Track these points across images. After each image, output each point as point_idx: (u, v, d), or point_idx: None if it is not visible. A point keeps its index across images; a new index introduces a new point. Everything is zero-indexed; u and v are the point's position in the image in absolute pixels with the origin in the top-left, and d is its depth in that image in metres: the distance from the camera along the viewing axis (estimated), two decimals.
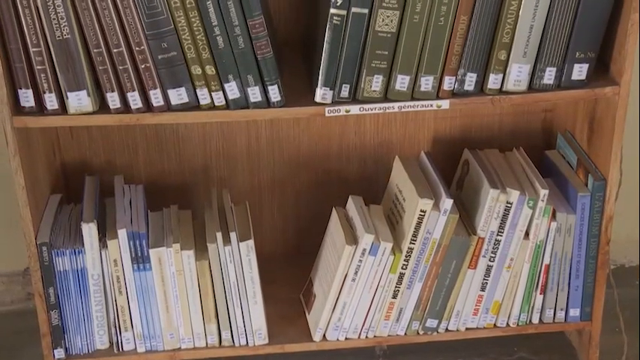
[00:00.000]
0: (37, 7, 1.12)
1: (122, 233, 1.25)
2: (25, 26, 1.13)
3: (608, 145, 1.26)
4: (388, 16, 1.16)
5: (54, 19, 1.13)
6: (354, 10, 1.15)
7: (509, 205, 1.28)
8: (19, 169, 1.19)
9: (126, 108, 1.19)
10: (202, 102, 1.20)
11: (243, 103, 1.20)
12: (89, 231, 1.25)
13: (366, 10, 1.16)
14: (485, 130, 1.49)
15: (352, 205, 1.35)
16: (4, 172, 1.37)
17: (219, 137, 1.46)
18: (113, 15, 1.14)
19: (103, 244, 1.27)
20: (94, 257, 1.27)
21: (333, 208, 1.37)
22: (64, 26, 1.14)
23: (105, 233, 1.27)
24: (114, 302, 1.30)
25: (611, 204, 1.30)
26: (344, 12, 1.16)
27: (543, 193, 1.28)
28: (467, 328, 1.37)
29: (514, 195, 1.27)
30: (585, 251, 1.34)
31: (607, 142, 1.27)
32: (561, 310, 1.38)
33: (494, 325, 1.37)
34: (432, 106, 1.22)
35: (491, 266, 1.32)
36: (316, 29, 1.24)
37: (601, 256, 1.34)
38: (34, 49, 1.15)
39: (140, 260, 1.28)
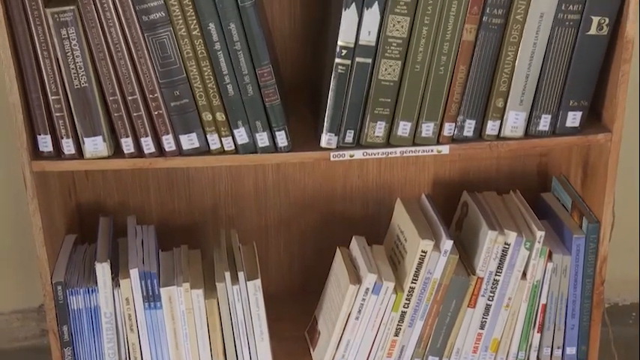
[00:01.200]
0: (57, 58, 1.14)
1: (134, 273, 1.26)
2: (45, 76, 1.15)
3: (602, 188, 1.27)
4: (391, 66, 1.18)
5: (72, 68, 1.15)
6: (358, 59, 1.17)
7: (507, 246, 1.28)
8: (37, 212, 1.20)
9: (139, 152, 1.20)
10: (213, 147, 1.21)
11: (252, 148, 1.21)
12: (102, 270, 1.25)
13: (369, 60, 1.17)
14: (483, 173, 1.49)
15: (356, 245, 1.35)
16: (22, 212, 1.38)
17: (227, 179, 1.46)
18: (129, 64, 1.15)
19: (115, 283, 1.27)
20: (107, 296, 1.27)
21: (337, 248, 1.37)
22: (82, 75, 1.15)
23: (118, 272, 1.28)
24: (125, 339, 1.30)
25: (604, 245, 1.30)
26: (349, 61, 1.17)
27: (540, 234, 1.28)
28: None
29: (512, 236, 1.28)
30: (581, 291, 1.34)
31: (600, 186, 1.28)
32: (558, 348, 1.38)
33: None
34: (432, 151, 1.23)
35: (490, 305, 1.32)
36: (322, 77, 1.26)
37: (596, 296, 1.34)
38: (54, 97, 1.16)
39: (151, 299, 1.28)
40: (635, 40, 1.19)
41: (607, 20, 1.17)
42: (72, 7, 1.12)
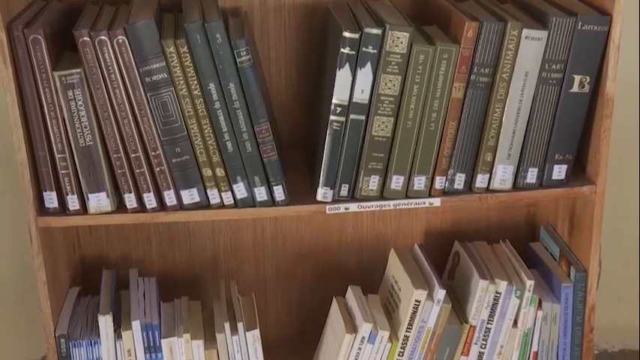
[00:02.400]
0: (64, 118, 1.15)
1: (136, 325, 1.25)
2: (52, 135, 1.15)
3: (588, 238, 1.27)
4: (383, 122, 1.19)
5: (78, 128, 1.16)
6: (352, 116, 1.18)
7: (498, 295, 1.28)
8: (42, 266, 1.19)
9: (142, 207, 1.20)
10: (212, 201, 1.21)
11: (250, 203, 1.22)
12: (105, 323, 1.25)
13: (363, 117, 1.18)
14: (473, 223, 1.50)
15: (351, 295, 1.35)
16: (27, 265, 1.37)
17: (227, 232, 1.46)
18: (132, 123, 1.16)
19: (117, 335, 1.26)
20: (109, 348, 1.26)
21: (334, 298, 1.37)
22: (87, 134, 1.16)
23: (120, 324, 1.27)
24: None
25: (592, 294, 1.30)
26: (343, 118, 1.18)
27: (529, 283, 1.28)
28: None
29: (502, 285, 1.28)
30: (571, 339, 1.33)
31: (586, 235, 1.28)
32: None
33: None
34: (424, 203, 1.23)
35: (483, 353, 1.31)
36: (317, 132, 1.27)
37: (585, 343, 1.33)
38: (60, 156, 1.17)
39: (153, 350, 1.27)
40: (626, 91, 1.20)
41: (588, 79, 1.19)
42: (78, 70, 1.13)
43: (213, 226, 1.45)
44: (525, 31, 1.16)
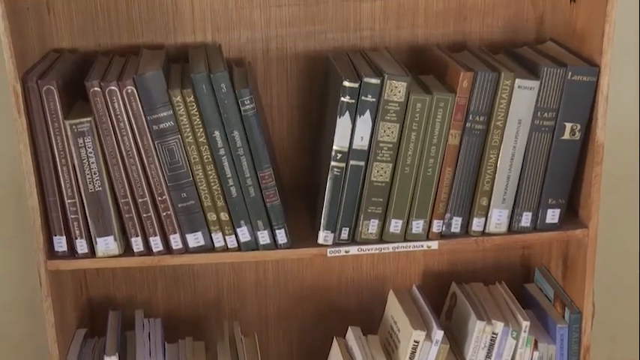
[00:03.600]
0: (74, 165, 1.16)
1: None
2: (62, 181, 1.16)
3: (582, 280, 1.28)
4: (382, 168, 1.20)
5: (88, 174, 1.17)
6: (352, 162, 1.19)
7: (494, 336, 1.28)
8: (50, 309, 1.19)
9: (148, 251, 1.21)
10: (217, 245, 1.22)
11: (254, 246, 1.22)
12: None
13: (362, 163, 1.19)
14: (469, 264, 1.50)
15: (351, 336, 1.35)
16: (35, 306, 1.37)
17: (230, 273, 1.47)
18: (139, 169, 1.17)
19: None
20: None
21: (334, 338, 1.37)
22: (96, 180, 1.17)
23: None
24: None
25: (587, 335, 1.30)
26: (343, 164, 1.19)
27: (525, 324, 1.28)
28: None
29: (499, 326, 1.28)
30: None
31: (580, 277, 1.28)
32: None
33: None
34: (422, 246, 1.24)
35: None
36: (318, 177, 1.28)
37: None
38: (69, 201, 1.18)
39: None
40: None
41: (579, 126, 1.21)
42: (89, 119, 1.15)
43: (217, 268, 1.46)
44: (518, 81, 1.18)
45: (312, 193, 1.35)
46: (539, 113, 1.19)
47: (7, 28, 1.06)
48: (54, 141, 1.15)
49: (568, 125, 1.20)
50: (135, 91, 1.14)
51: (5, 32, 1.06)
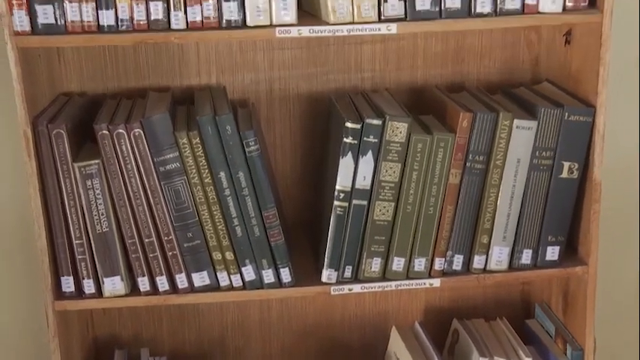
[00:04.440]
0: (82, 206, 1.16)
1: None
2: (70, 223, 1.17)
3: (582, 317, 1.27)
4: (385, 207, 1.20)
5: (95, 215, 1.17)
6: (355, 202, 1.20)
7: None
8: (57, 350, 1.19)
9: (154, 290, 1.20)
10: (222, 284, 1.22)
11: (258, 284, 1.22)
12: None
13: (365, 202, 1.20)
14: (471, 300, 1.50)
15: None
16: (42, 345, 1.36)
17: (234, 310, 1.46)
18: (146, 210, 1.17)
19: None
20: None
21: None
22: (103, 221, 1.17)
23: None
24: None
25: None
26: (346, 204, 1.20)
27: None
28: None
29: None
30: None
31: (581, 314, 1.28)
32: None
33: None
34: (425, 284, 1.24)
35: None
36: (321, 216, 1.28)
37: None
38: (77, 242, 1.17)
39: None
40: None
41: (577, 165, 1.21)
42: (97, 161, 1.15)
43: (221, 305, 1.45)
44: (516, 121, 1.19)
45: (315, 230, 1.35)
46: (537, 152, 1.20)
47: (19, 75, 1.07)
48: (63, 183, 1.15)
49: (566, 164, 1.21)
50: (142, 134, 1.14)
51: (18, 79, 1.07)
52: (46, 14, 1.07)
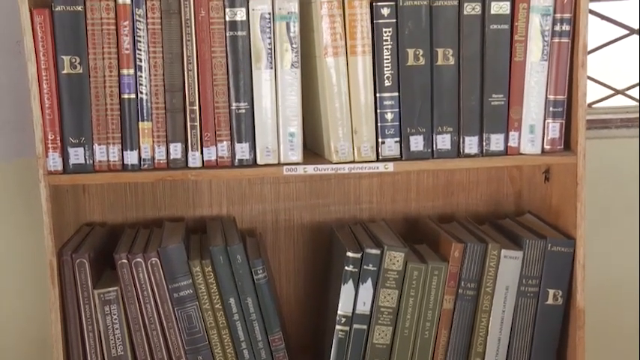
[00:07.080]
0: (100, 331, 1.17)
1: None
2: (87, 346, 1.17)
3: None
4: (383, 331, 1.22)
5: (111, 339, 1.17)
6: (355, 326, 1.21)
7: None
8: None
9: None
10: None
11: None
12: None
13: (365, 326, 1.21)
14: None
15: None
16: None
17: None
18: (160, 334, 1.18)
19: None
20: None
21: None
22: (119, 345, 1.18)
23: None
24: None
25: None
26: (347, 328, 1.21)
27: None
28: None
29: None
30: None
31: None
32: None
33: None
34: None
35: None
36: (324, 338, 1.29)
37: None
38: None
39: None
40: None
41: (561, 292, 1.24)
42: (115, 288, 1.17)
43: None
44: (504, 251, 1.22)
45: (317, 353, 1.35)
46: (524, 280, 1.23)
47: (49, 209, 1.11)
48: (82, 309, 1.17)
49: (551, 291, 1.23)
50: (159, 263, 1.17)
51: (47, 212, 1.11)
52: (77, 155, 1.13)
